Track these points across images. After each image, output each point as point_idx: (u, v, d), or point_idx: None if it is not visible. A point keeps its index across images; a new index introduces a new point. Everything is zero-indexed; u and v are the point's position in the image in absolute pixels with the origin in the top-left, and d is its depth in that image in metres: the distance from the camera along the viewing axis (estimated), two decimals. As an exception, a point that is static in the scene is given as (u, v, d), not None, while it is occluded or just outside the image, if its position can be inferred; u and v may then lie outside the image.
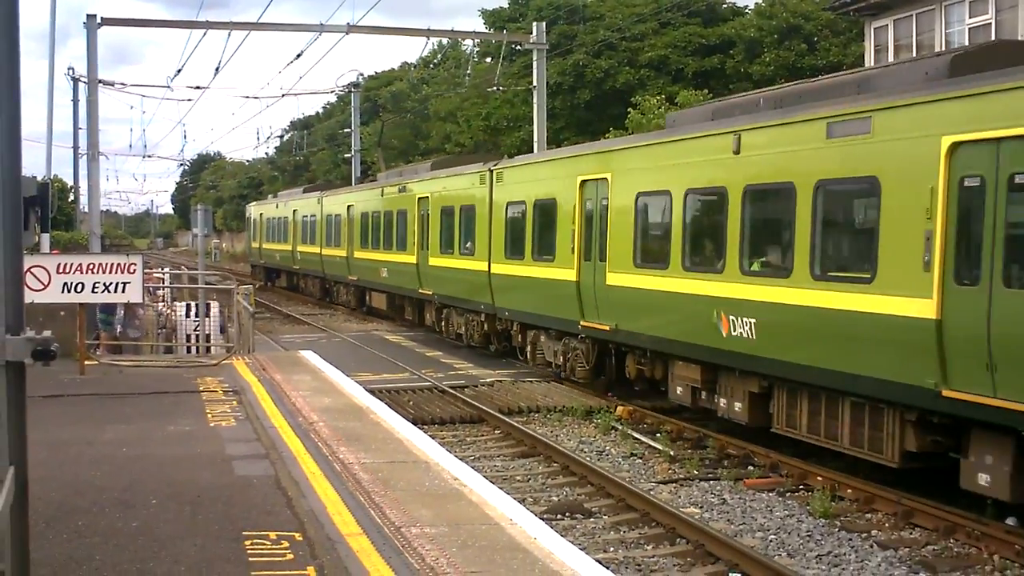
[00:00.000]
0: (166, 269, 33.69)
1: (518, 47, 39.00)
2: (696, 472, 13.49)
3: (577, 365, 18.60)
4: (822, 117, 12.22)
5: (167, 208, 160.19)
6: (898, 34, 24.84)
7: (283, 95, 44.25)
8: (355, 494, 8.74)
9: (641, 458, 14.45)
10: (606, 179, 17.28)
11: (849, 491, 12.16)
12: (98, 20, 29.08)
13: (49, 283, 15.25)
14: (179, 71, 39.32)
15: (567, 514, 11.50)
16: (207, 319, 21.11)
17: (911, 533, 10.98)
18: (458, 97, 47.04)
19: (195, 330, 21.05)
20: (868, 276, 11.37)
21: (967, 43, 22.71)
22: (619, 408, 17.12)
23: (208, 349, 20.17)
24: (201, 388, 14.72)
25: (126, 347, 19.32)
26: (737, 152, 13.74)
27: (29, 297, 12.84)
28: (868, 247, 11.49)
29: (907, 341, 10.75)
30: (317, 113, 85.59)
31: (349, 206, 35.02)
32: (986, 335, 9.82)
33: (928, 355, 10.45)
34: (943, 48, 23.35)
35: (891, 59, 25.01)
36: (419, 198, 27.24)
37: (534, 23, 33.64)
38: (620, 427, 16.11)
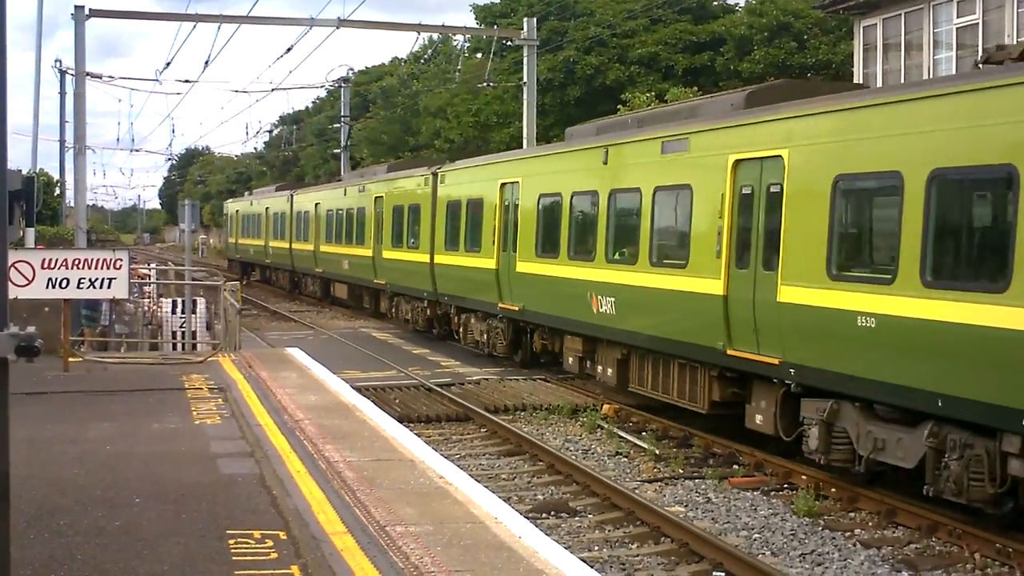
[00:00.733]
0: (153, 265, 33.59)
1: (509, 43, 39.00)
2: (681, 471, 13.52)
3: (497, 342, 21.73)
4: (658, 137, 15.46)
5: (154, 203, 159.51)
6: (887, 33, 24.93)
7: (273, 89, 44.28)
8: (340, 492, 8.73)
9: (626, 457, 14.48)
10: (518, 182, 20.30)
11: (833, 490, 12.21)
12: (86, 12, 28.97)
13: (33, 278, 15.08)
14: (168, 64, 39.11)
15: (552, 513, 11.51)
16: (193, 316, 21.05)
17: (894, 532, 11.03)
18: (448, 93, 46.96)
19: (181, 327, 20.99)
20: (684, 263, 14.47)
21: (955, 42, 22.81)
22: (605, 407, 17.16)
23: (194, 346, 20.11)
24: (187, 385, 14.67)
25: (111, 344, 19.25)
26: (606, 163, 16.85)
27: (13, 293, 12.80)
28: (685, 241, 14.56)
29: (706, 312, 13.75)
30: (307, 108, 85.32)
31: (316, 204, 37.49)
32: (752, 306, 12.84)
33: (719, 323, 13.43)
34: (931, 48, 23.44)
35: (880, 58, 25.11)
36: (375, 197, 30.02)
37: (525, 19, 33.65)
38: (606, 426, 16.14)
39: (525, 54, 32.21)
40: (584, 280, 17.12)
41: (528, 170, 20.17)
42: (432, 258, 24.65)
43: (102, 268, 15.47)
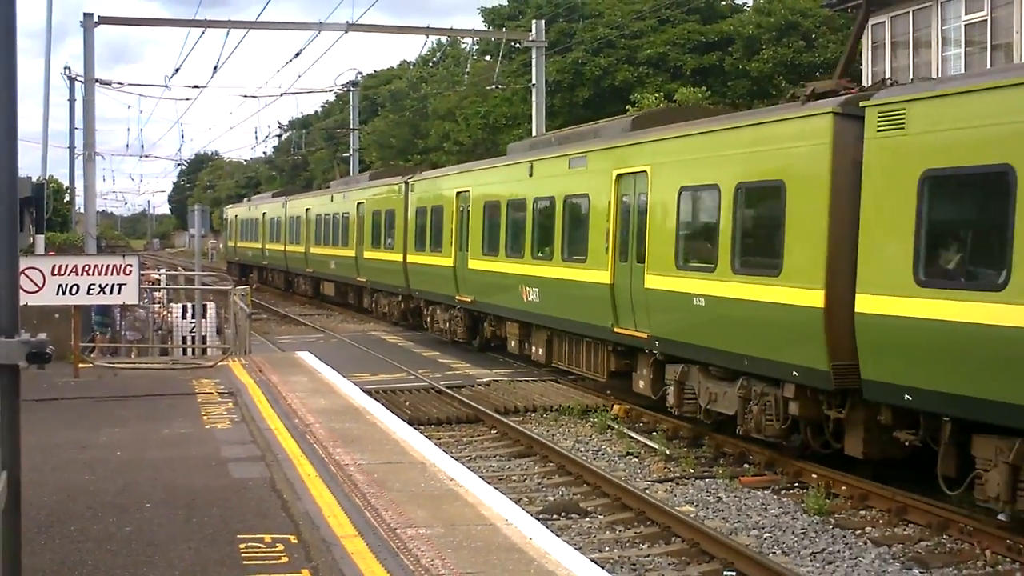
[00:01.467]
0: (162, 270, 33.67)
1: (517, 45, 38.98)
2: (692, 470, 13.52)
3: (458, 329, 24.80)
4: (566, 155, 18.71)
5: (164, 208, 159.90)
6: (895, 31, 24.86)
7: (281, 94, 44.27)
8: (351, 496, 8.74)
9: (637, 457, 14.47)
10: (468, 191, 23.36)
11: (843, 488, 12.19)
12: (95, 18, 29.06)
13: (44, 285, 15.13)
14: (177, 70, 39.31)
15: (563, 514, 11.51)
16: (203, 320, 21.09)
17: (904, 529, 11.01)
18: (457, 95, 46.97)
19: (191, 331, 21.03)
20: (584, 258, 17.57)
21: (963, 39, 22.74)
22: (616, 407, 17.16)
23: (204, 351, 20.16)
24: (197, 390, 14.71)
25: (121, 349, 19.30)
26: (531, 175, 20.15)
27: (24, 299, 12.84)
28: (585, 240, 17.54)
29: (600, 298, 16.76)
30: (316, 112, 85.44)
31: (307, 209, 40.62)
32: (629, 292, 15.86)
33: (608, 306, 16.52)
34: (939, 45, 23.37)
35: (888, 55, 25.04)
36: (358, 203, 33.13)
37: (533, 21, 33.64)
38: (616, 426, 16.14)
39: (534, 56, 32.21)
40: (517, 275, 20.34)
41: (476, 180, 23.31)
42: (405, 258, 27.76)
43: (112, 274, 15.52)
